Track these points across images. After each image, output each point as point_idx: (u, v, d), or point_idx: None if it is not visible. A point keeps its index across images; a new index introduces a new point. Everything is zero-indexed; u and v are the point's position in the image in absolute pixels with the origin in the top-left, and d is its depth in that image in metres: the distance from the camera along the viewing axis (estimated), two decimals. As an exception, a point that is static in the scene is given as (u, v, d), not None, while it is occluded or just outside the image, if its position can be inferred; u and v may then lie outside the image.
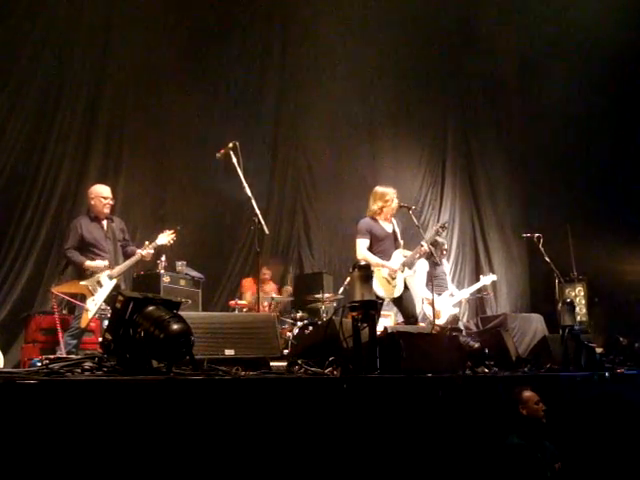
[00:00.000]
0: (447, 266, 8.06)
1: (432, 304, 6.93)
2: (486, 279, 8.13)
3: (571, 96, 10.61)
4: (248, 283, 8.34)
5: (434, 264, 7.60)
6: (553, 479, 3.96)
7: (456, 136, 11.65)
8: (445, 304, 7.59)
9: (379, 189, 6.50)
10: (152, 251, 6.10)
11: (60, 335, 5.89)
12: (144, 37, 8.28)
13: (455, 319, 7.67)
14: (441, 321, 7.41)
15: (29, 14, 7.31)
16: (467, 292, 8.13)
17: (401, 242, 6.50)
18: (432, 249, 6.63)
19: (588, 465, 4.44)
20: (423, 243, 6.42)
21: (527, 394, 4.16)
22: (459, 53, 11.38)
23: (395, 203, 6.40)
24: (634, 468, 4.58)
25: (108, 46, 8.06)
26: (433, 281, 7.46)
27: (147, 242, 6.12)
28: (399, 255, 6.37)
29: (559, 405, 4.48)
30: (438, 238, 7.74)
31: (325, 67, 10.03)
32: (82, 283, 5.82)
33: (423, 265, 7.65)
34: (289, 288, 8.73)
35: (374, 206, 6.41)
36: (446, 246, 7.87)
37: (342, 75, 10.15)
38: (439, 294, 7.54)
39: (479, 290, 8.45)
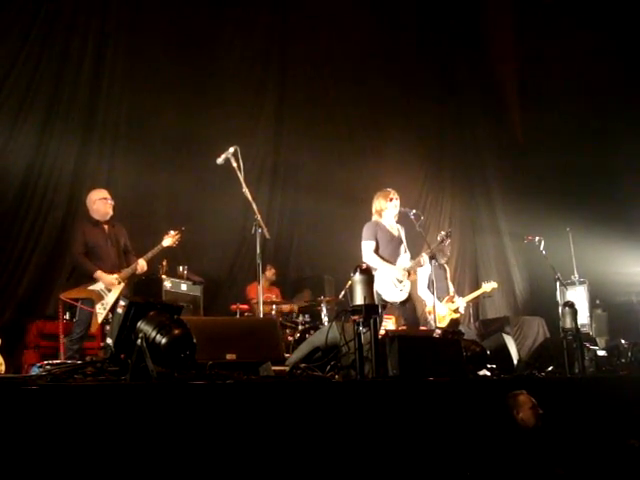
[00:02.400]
0: (447, 270, 8.03)
1: (433, 308, 6.91)
2: (487, 286, 8.09)
3: (571, 100, 10.63)
4: (254, 290, 8.13)
5: (439, 266, 7.61)
6: None
7: (455, 142, 11.64)
8: (446, 309, 7.57)
9: (380, 191, 6.55)
10: (145, 267, 6.14)
11: (61, 341, 5.90)
12: (143, 39, 8.29)
13: (456, 323, 7.65)
14: (443, 325, 7.41)
15: (26, 19, 7.35)
16: (468, 298, 8.09)
17: (407, 251, 6.49)
18: (435, 254, 6.63)
19: (590, 469, 4.43)
20: (423, 254, 6.44)
21: (522, 398, 4.08)
22: (457, 61, 11.39)
23: (395, 203, 6.40)
24: (634, 471, 4.56)
25: (106, 47, 8.04)
26: (435, 285, 7.47)
27: (142, 261, 6.14)
28: (405, 260, 6.37)
29: (560, 408, 4.48)
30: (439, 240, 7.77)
31: (325, 71, 10.04)
32: (91, 288, 5.84)
33: (425, 268, 7.65)
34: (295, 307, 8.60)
35: (376, 206, 6.45)
36: (448, 252, 7.85)
37: (343, 80, 10.16)
38: (440, 298, 7.55)
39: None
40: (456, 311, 7.67)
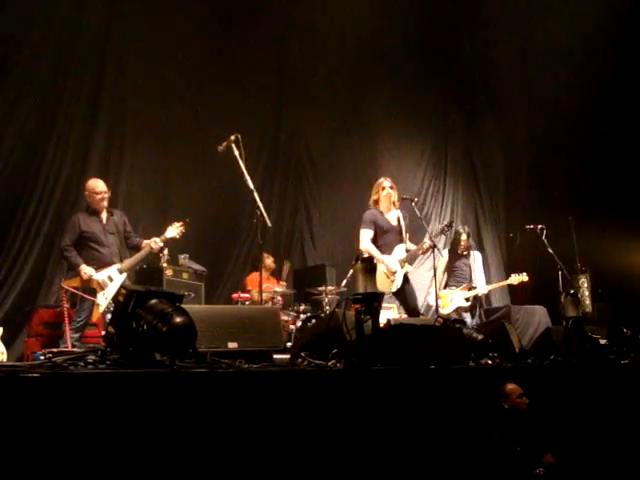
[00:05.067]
0: (478, 256, 7.95)
1: (436, 295, 6.92)
2: (515, 278, 8.01)
3: (574, 87, 10.58)
4: (253, 279, 8.09)
5: (456, 253, 7.61)
6: (544, 473, 3.90)
7: (458, 129, 11.59)
8: (458, 296, 7.53)
9: (375, 181, 6.59)
10: (161, 244, 6.10)
11: (67, 329, 5.90)
12: (146, 33, 8.26)
13: (461, 310, 7.62)
14: (447, 310, 7.41)
15: (30, 10, 7.31)
16: (493, 287, 8.00)
17: (406, 236, 6.50)
18: (436, 244, 6.62)
19: (590, 458, 4.42)
20: (426, 240, 6.43)
21: (510, 387, 4.05)
22: (459, 46, 11.31)
23: (387, 192, 6.40)
24: (634, 461, 4.55)
25: (109, 42, 8.06)
26: (451, 272, 7.49)
27: (156, 238, 6.12)
28: (401, 250, 6.37)
29: (561, 397, 4.48)
30: (457, 228, 7.76)
31: (327, 61, 9.99)
32: (93, 277, 5.82)
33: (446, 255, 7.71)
34: (283, 283, 8.62)
35: (373, 197, 6.48)
36: (465, 236, 7.81)
37: (344, 68, 10.12)
38: (457, 286, 7.54)
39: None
40: (467, 299, 7.64)
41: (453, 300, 7.53)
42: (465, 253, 7.90)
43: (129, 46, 8.19)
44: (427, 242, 6.40)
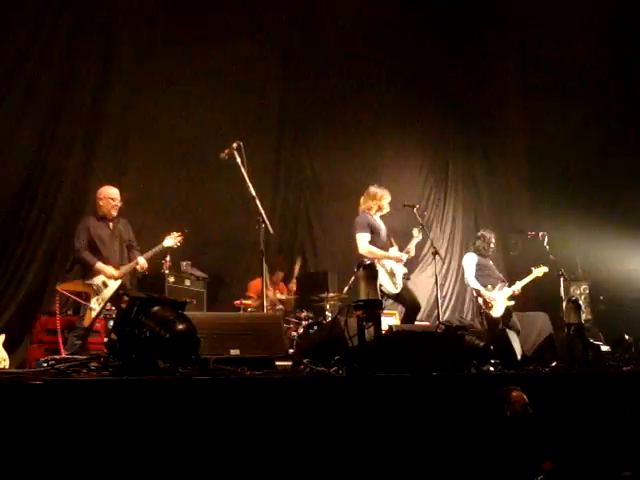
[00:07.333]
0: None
1: (437, 299, 6.92)
2: (538, 271, 7.94)
3: (574, 92, 10.61)
4: (255, 286, 7.91)
5: (483, 256, 7.60)
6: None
7: (459, 137, 11.61)
8: (501, 296, 7.50)
9: (373, 189, 6.53)
10: (146, 265, 6.10)
11: (60, 336, 5.89)
12: (148, 39, 8.30)
13: (509, 312, 7.59)
14: (497, 313, 7.39)
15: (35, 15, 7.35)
16: (520, 284, 7.97)
17: (392, 241, 6.55)
18: (438, 250, 6.66)
19: (590, 465, 4.40)
20: (414, 229, 6.47)
21: (515, 395, 3.99)
22: (464, 55, 11.35)
23: (387, 209, 6.47)
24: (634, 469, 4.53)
25: (112, 46, 8.07)
26: (484, 273, 7.46)
27: (142, 258, 6.11)
28: (395, 251, 6.41)
29: (563, 404, 4.48)
30: (484, 232, 7.74)
31: (330, 69, 10.02)
32: (87, 282, 5.83)
33: (470, 257, 7.67)
34: (293, 287, 8.63)
35: (371, 204, 6.44)
36: (494, 239, 7.78)
37: (347, 77, 10.14)
38: (493, 286, 7.53)
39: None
40: (510, 299, 7.62)
41: (498, 301, 7.47)
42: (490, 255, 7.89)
43: (132, 52, 8.20)
44: (415, 230, 6.44)
